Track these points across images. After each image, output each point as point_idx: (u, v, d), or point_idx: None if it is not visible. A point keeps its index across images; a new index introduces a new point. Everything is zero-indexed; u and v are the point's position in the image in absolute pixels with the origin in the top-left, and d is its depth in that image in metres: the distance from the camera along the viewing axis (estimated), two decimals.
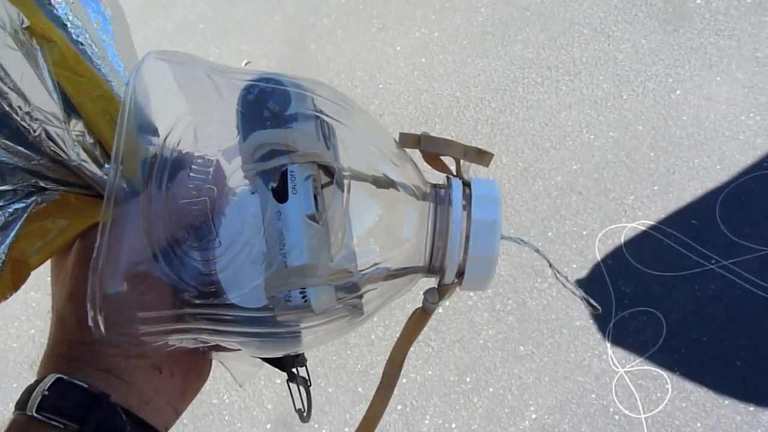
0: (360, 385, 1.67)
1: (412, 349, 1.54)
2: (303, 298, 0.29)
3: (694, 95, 1.89)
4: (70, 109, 0.35)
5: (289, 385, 0.43)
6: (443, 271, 0.33)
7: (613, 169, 1.82)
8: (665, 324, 1.59)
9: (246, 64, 2.36)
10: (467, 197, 0.33)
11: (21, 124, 0.30)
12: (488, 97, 2.02)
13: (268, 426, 1.64)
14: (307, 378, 0.44)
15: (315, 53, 2.35)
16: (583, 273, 1.69)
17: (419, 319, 0.35)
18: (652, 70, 1.96)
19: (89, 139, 0.36)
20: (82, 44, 0.37)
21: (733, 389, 1.49)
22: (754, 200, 1.69)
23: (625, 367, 1.56)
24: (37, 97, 0.31)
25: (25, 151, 0.31)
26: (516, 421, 1.56)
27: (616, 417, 1.52)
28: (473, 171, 0.36)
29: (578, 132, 1.90)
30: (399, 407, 1.61)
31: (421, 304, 0.35)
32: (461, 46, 2.14)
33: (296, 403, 0.44)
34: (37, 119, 0.31)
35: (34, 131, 0.31)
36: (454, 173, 0.35)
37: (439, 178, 0.36)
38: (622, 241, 1.71)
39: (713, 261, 1.64)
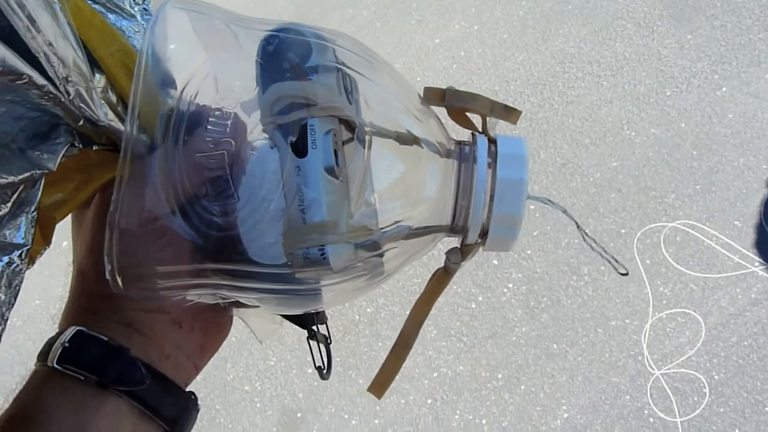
0: None
1: (443, 343, 1.52)
2: (322, 255, 0.29)
3: (741, 92, 1.84)
4: (92, 63, 0.35)
5: (309, 343, 0.43)
6: (466, 230, 0.32)
7: (654, 167, 1.78)
8: (704, 326, 1.55)
9: None
10: (493, 155, 0.32)
11: (61, 88, 0.30)
12: (527, 92, 1.99)
13: (299, 414, 1.65)
14: (327, 335, 0.43)
15: None
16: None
17: (440, 279, 0.34)
18: (698, 67, 1.91)
19: (112, 95, 0.35)
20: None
21: None
22: None
23: (661, 369, 1.53)
24: (67, 56, 0.31)
25: (71, 107, 0.31)
26: (547, 419, 1.53)
27: (651, 420, 1.49)
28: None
29: (619, 128, 1.86)
30: (429, 401, 1.60)
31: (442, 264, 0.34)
32: (501, 40, 2.11)
33: (316, 361, 0.43)
34: (71, 81, 0.31)
35: (69, 94, 0.31)
36: (480, 130, 0.34)
37: (465, 136, 0.35)
38: (662, 240, 1.67)
39: (757, 263, 1.59)
